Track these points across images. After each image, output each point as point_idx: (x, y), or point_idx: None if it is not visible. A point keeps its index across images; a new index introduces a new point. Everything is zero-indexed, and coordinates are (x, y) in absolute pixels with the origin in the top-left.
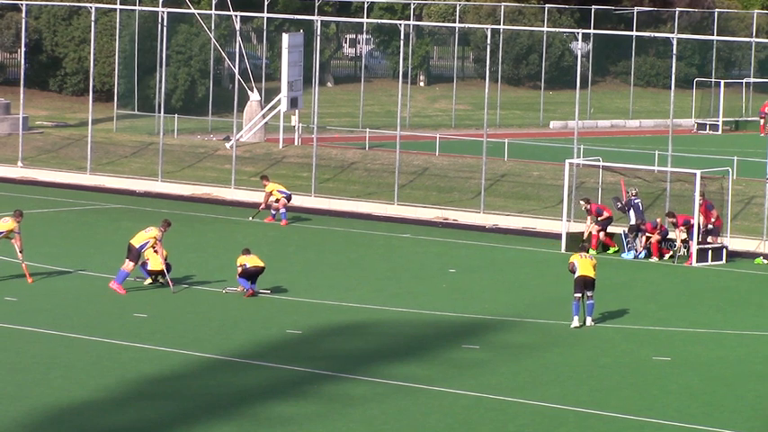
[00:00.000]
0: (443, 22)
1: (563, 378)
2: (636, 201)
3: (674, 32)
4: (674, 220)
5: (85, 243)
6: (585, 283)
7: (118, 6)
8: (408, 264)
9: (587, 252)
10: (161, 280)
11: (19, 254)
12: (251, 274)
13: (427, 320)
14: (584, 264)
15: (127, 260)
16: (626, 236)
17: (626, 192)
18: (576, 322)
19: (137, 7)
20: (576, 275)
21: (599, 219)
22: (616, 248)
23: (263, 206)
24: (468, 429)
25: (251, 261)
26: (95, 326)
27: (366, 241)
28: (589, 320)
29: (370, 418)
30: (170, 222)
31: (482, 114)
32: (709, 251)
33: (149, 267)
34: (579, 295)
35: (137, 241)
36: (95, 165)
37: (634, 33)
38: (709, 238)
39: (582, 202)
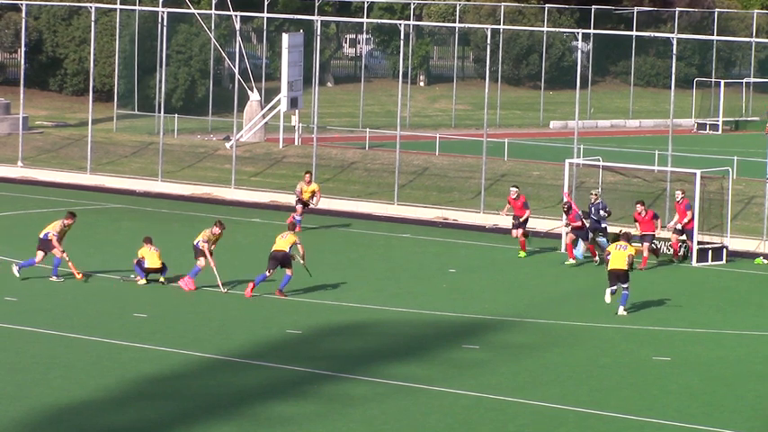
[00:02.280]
0: (443, 22)
1: (563, 378)
2: (598, 202)
3: (674, 32)
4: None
5: (85, 243)
6: (618, 276)
7: (118, 6)
8: (408, 264)
9: (627, 242)
10: (161, 279)
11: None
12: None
13: (427, 320)
14: (617, 256)
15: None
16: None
17: (576, 206)
18: (607, 297)
19: (137, 7)
20: (609, 268)
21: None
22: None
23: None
24: (468, 429)
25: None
26: (95, 326)
27: (366, 241)
28: (621, 310)
29: (370, 418)
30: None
31: (482, 114)
32: (710, 251)
33: (146, 265)
34: (614, 287)
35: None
36: (95, 165)
37: (634, 33)
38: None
39: (565, 196)
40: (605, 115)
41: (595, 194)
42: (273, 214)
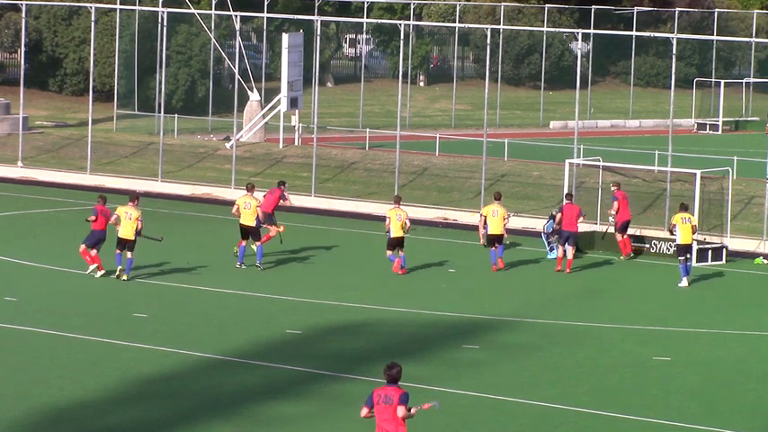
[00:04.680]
0: (443, 22)
1: (563, 378)
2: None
3: (674, 32)
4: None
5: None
6: (687, 249)
7: (118, 6)
8: (408, 264)
9: (687, 210)
10: (123, 277)
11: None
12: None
13: (427, 320)
14: (685, 229)
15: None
16: (547, 237)
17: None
18: (684, 282)
19: (137, 7)
20: (681, 242)
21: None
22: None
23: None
24: (468, 429)
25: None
26: (95, 326)
27: (366, 241)
28: (685, 281)
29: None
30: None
31: (482, 114)
32: (710, 251)
33: (119, 234)
34: (683, 258)
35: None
36: (95, 165)
37: (634, 33)
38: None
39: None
40: (605, 115)
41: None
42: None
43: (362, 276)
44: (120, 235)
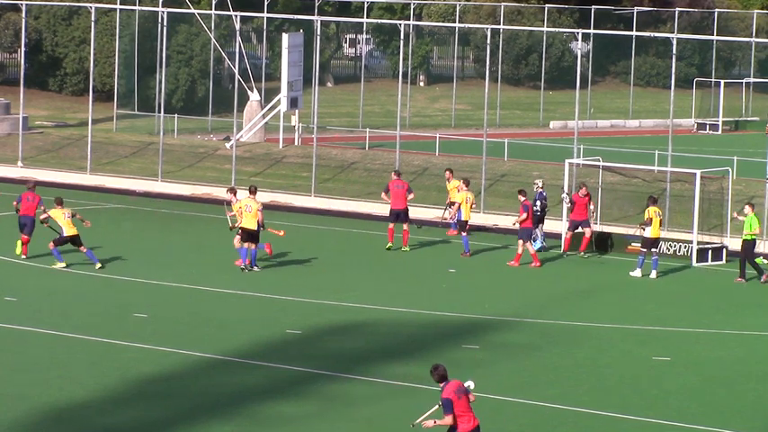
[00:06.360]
0: (443, 22)
1: (562, 378)
2: (541, 192)
3: (674, 32)
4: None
5: (85, 243)
6: (656, 243)
7: (118, 6)
8: (408, 264)
9: (656, 204)
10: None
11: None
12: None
13: (427, 320)
14: (656, 224)
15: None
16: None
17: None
18: (638, 273)
19: (137, 7)
20: (651, 236)
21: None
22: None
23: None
24: None
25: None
26: (95, 326)
27: (366, 241)
28: (654, 273)
29: (370, 418)
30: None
31: (482, 114)
32: (709, 251)
33: (65, 234)
34: (646, 251)
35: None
36: (95, 165)
37: (634, 33)
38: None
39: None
40: (605, 115)
41: (540, 183)
42: (273, 215)
43: (362, 276)
44: (66, 234)
